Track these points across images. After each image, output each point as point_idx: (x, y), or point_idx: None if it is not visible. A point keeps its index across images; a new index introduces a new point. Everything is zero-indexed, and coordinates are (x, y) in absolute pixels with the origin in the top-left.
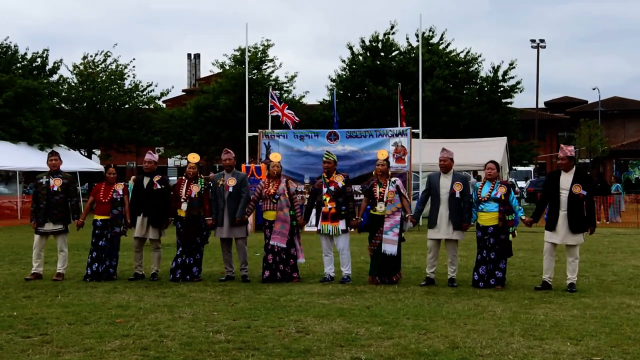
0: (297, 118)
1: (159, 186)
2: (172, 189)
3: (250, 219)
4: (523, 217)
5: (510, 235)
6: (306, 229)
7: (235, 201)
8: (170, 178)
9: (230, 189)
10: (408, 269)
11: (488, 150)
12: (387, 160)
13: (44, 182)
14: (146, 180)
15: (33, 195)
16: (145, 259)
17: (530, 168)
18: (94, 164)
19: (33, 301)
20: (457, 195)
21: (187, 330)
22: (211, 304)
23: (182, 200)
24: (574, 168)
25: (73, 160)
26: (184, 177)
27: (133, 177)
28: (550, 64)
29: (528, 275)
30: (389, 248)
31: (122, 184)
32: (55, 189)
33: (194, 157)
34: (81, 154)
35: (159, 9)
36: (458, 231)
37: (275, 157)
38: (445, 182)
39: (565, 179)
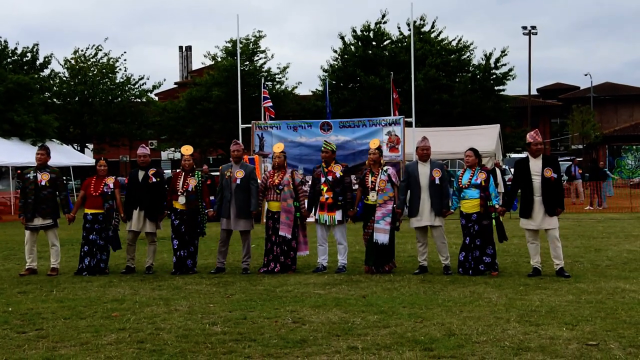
0: (272, 111)
1: (154, 179)
2: (168, 182)
3: None
4: (497, 206)
5: (494, 221)
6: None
7: (243, 193)
8: (164, 171)
9: (238, 181)
10: (403, 258)
11: (481, 138)
12: (378, 149)
13: (31, 177)
14: (141, 174)
15: (21, 190)
16: (140, 252)
17: (524, 155)
18: (87, 159)
19: (28, 296)
20: (437, 181)
21: (183, 322)
22: (207, 296)
23: (179, 193)
24: (541, 153)
25: (66, 155)
26: (180, 170)
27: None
28: (542, 51)
29: (523, 261)
30: (381, 237)
31: (113, 177)
32: (43, 183)
33: (187, 150)
34: (74, 148)
35: (150, 1)
36: (440, 217)
37: (277, 147)
38: (424, 170)
39: (536, 164)
